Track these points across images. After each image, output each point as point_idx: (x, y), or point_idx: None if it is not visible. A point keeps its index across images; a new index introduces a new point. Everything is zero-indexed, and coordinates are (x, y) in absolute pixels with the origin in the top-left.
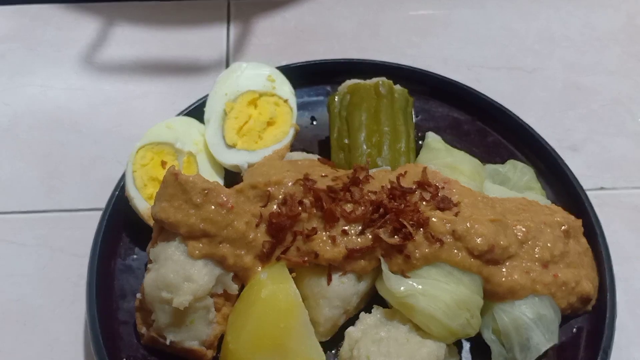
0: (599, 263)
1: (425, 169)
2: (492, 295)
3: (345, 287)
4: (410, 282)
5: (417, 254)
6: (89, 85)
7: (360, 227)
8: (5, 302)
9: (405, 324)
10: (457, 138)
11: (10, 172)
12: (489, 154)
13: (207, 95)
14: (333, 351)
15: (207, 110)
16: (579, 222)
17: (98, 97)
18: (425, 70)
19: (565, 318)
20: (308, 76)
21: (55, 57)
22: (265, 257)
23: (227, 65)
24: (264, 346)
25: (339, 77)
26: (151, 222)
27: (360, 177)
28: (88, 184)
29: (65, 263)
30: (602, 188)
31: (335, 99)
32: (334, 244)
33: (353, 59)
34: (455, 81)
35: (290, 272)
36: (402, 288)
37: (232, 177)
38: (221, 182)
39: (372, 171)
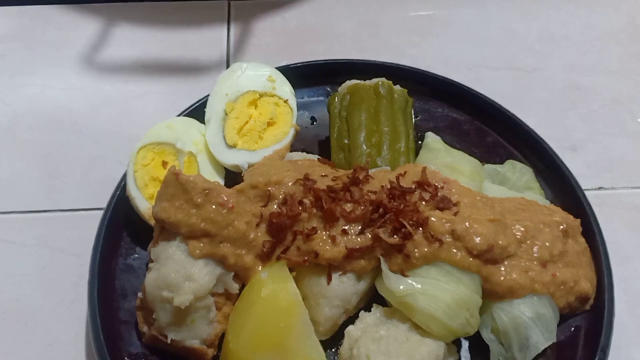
0: (598, 262)
1: (424, 169)
2: (491, 295)
3: (345, 287)
4: (410, 282)
5: (417, 254)
6: (89, 85)
7: (360, 227)
8: (5, 302)
9: (404, 322)
10: (456, 138)
11: (10, 172)
12: (488, 154)
13: (207, 96)
14: (333, 350)
15: (208, 110)
16: (578, 221)
17: (98, 97)
18: (425, 71)
19: (564, 317)
20: (308, 76)
21: (55, 57)
22: (265, 257)
23: (228, 66)
24: (265, 345)
25: (339, 77)
26: (152, 222)
27: (360, 177)
28: (88, 184)
29: (65, 263)
30: (601, 188)
31: (335, 99)
32: (334, 243)
33: (353, 59)
34: (455, 81)
35: (291, 272)
36: (401, 287)
37: (232, 177)
38: (222, 182)
39: (371, 171)
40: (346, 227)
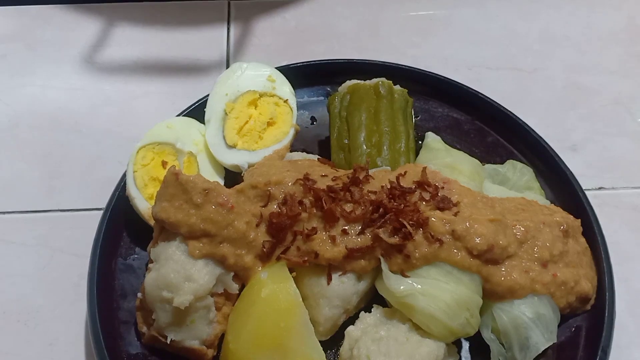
0: (598, 262)
1: (425, 169)
2: (492, 295)
3: (345, 287)
4: (410, 282)
5: (417, 254)
6: (89, 85)
7: (360, 227)
8: (5, 302)
9: (405, 323)
10: (456, 138)
11: (10, 172)
12: (488, 154)
13: (207, 96)
14: (333, 350)
15: (208, 110)
16: (578, 221)
17: (98, 97)
18: (425, 71)
19: (565, 317)
20: (308, 76)
21: (56, 57)
22: (265, 257)
23: (228, 66)
24: (264, 345)
25: (339, 77)
26: (152, 222)
27: (360, 177)
28: (88, 184)
29: (65, 263)
30: (602, 188)
31: (335, 99)
32: (334, 243)
33: (353, 59)
34: (455, 81)
35: (291, 272)
36: (401, 287)
37: (232, 177)
38: (221, 182)
39: (372, 171)
40: (346, 227)
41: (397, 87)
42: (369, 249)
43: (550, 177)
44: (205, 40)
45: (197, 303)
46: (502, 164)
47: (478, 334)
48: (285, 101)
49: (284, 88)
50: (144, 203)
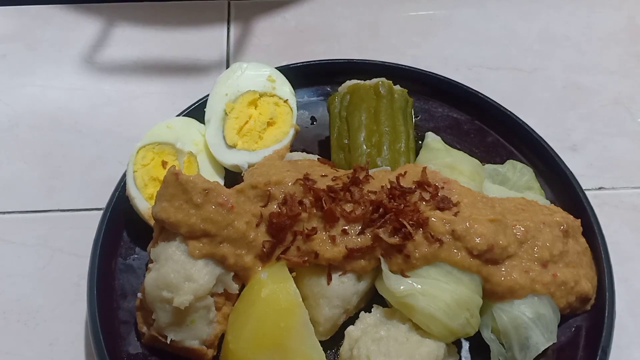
0: (598, 262)
1: (424, 169)
2: (492, 295)
3: (345, 287)
4: (410, 282)
5: (417, 254)
6: (89, 85)
7: (360, 227)
8: (5, 302)
9: (405, 323)
10: (456, 138)
11: (10, 172)
12: (488, 154)
13: (207, 96)
14: (333, 350)
15: (208, 110)
16: (578, 221)
17: (98, 97)
18: (425, 70)
19: (565, 317)
20: (308, 76)
21: (56, 57)
22: (265, 257)
23: (228, 66)
24: (264, 345)
25: (339, 77)
26: (152, 222)
27: (360, 177)
28: (88, 184)
29: (65, 263)
30: (602, 188)
31: (335, 99)
32: (334, 243)
33: (353, 59)
34: (455, 81)
35: (290, 272)
36: (401, 288)
37: (232, 177)
38: (221, 182)
39: (372, 171)
40: (346, 227)
41: (397, 87)
42: (369, 249)
43: (550, 177)
44: (205, 40)
45: (197, 303)
46: (502, 164)
47: (478, 334)
48: (285, 101)
49: (284, 88)
50: (144, 203)
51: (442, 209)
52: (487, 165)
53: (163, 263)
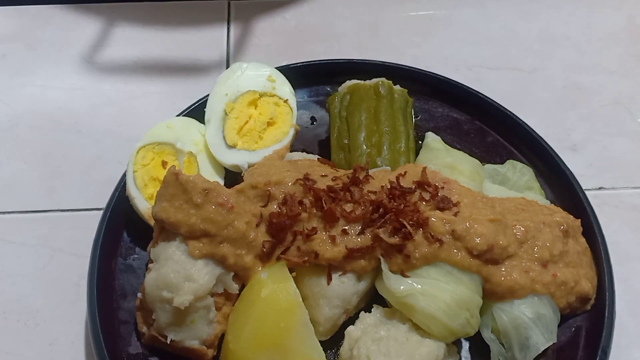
0: (598, 262)
1: (424, 169)
2: (492, 295)
3: (345, 287)
4: (410, 282)
5: (417, 254)
6: (89, 85)
7: (360, 227)
8: (5, 302)
9: (405, 323)
10: (456, 138)
11: (10, 172)
12: (488, 154)
13: (207, 96)
14: (333, 350)
15: (208, 110)
16: (578, 221)
17: (98, 97)
18: (425, 70)
19: (565, 317)
20: (308, 76)
21: (56, 57)
22: (265, 257)
23: (228, 66)
24: (264, 345)
25: (339, 77)
26: (152, 222)
27: (360, 177)
28: (88, 184)
29: (65, 263)
30: (601, 188)
31: (335, 99)
32: (334, 243)
33: (353, 59)
34: (455, 81)
35: (290, 272)
36: (401, 288)
37: (232, 177)
38: (221, 182)
39: (372, 171)
40: (346, 227)
41: (397, 87)
42: (369, 249)
43: (550, 177)
44: (205, 40)
45: (197, 303)
46: (502, 164)
47: (478, 334)
48: (285, 101)
49: (284, 88)
50: (144, 203)
51: (442, 209)
52: (487, 165)
53: (163, 263)
